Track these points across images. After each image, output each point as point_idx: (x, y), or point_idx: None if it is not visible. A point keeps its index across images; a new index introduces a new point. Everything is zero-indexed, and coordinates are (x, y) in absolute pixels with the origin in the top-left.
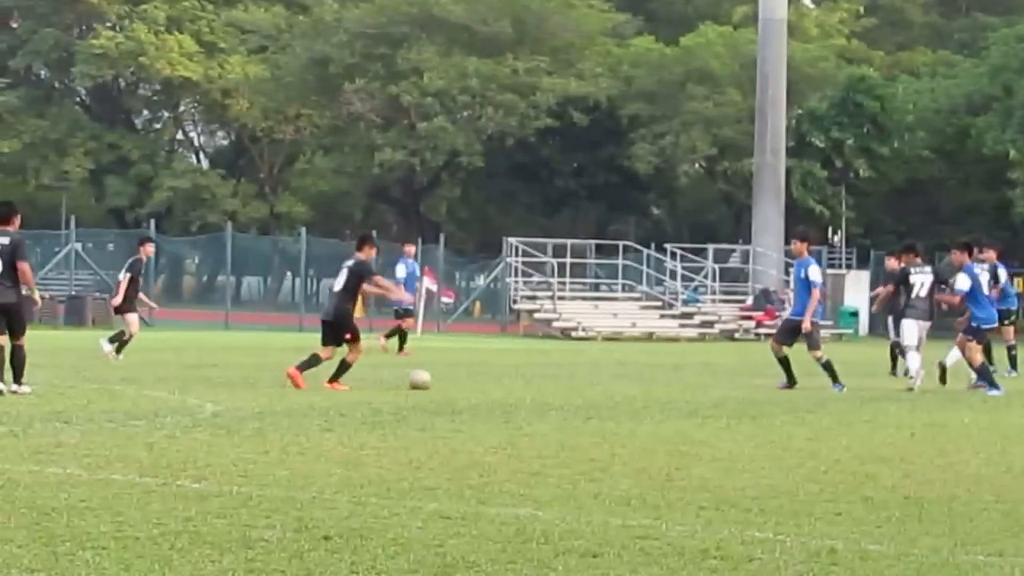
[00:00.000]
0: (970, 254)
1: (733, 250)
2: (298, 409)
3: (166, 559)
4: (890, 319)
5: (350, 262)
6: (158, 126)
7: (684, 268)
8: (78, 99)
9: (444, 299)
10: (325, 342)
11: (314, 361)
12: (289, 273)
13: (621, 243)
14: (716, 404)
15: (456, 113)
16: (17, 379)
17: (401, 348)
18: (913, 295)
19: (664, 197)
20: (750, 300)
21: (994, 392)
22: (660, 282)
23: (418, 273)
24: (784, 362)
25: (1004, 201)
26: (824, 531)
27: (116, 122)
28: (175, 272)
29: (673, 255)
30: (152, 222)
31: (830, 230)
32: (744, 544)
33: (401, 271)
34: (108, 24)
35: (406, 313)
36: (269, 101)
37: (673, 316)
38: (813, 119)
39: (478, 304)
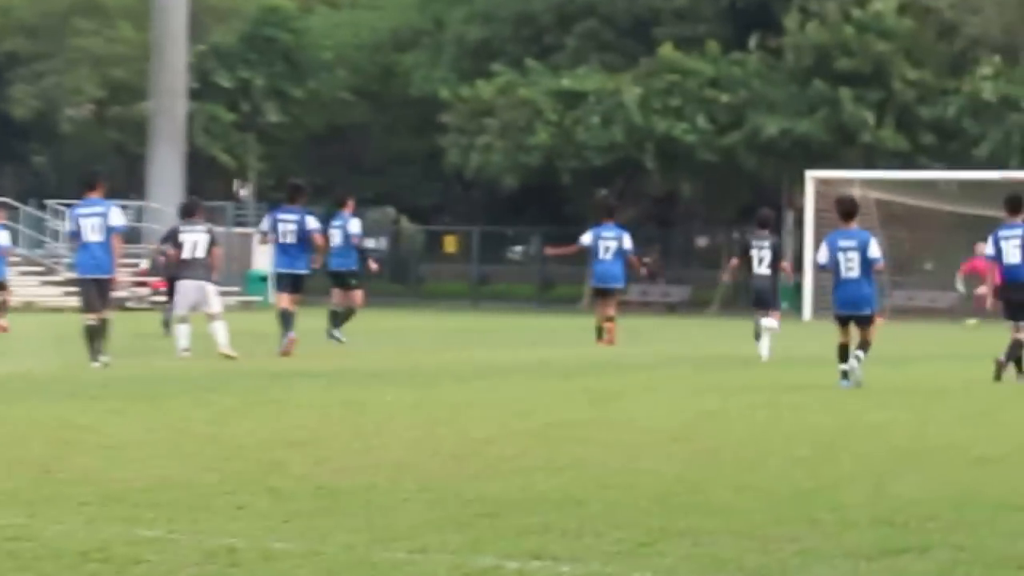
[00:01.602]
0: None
1: (125, 206)
2: None
3: None
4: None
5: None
6: None
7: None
8: None
9: None
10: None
11: None
12: None
13: None
14: (105, 383)
15: None
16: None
17: None
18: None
19: (47, 146)
20: (145, 263)
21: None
22: (41, 244)
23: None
24: None
25: (435, 149)
26: (223, 527)
27: None
28: None
29: (57, 212)
30: None
31: (236, 182)
32: (131, 544)
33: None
34: None
35: None
36: None
37: (57, 283)
38: (219, 56)
39: None
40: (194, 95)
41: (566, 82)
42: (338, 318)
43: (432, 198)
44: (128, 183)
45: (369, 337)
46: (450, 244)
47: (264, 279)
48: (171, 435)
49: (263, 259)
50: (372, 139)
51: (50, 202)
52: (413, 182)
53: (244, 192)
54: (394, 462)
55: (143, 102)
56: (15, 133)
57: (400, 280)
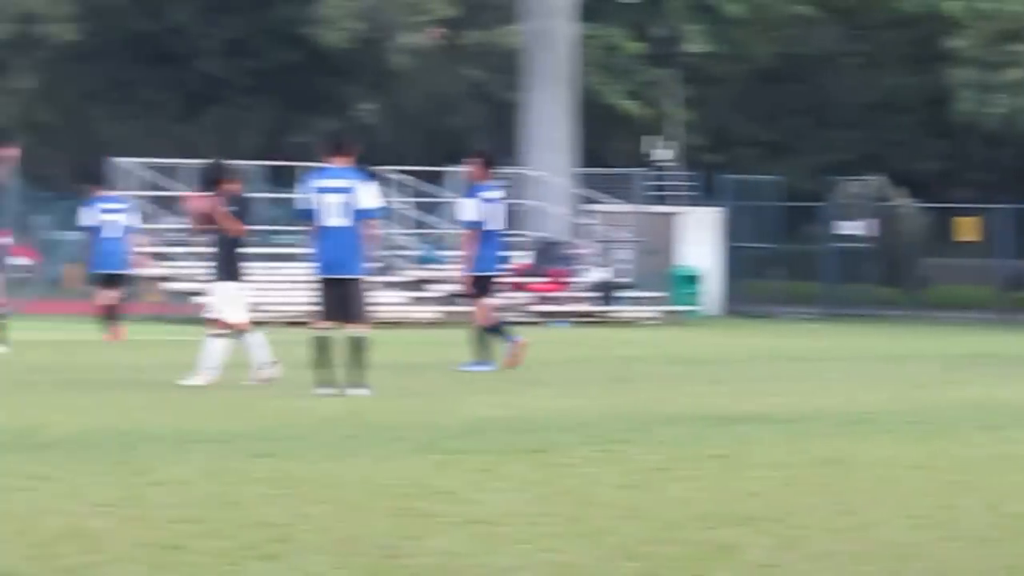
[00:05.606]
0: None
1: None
2: None
3: None
4: None
5: None
6: None
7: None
8: None
9: (19, 260)
10: None
11: None
12: None
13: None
14: (466, 430)
15: None
16: None
17: None
18: None
19: (375, 88)
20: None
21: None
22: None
23: None
24: None
25: (939, 90)
26: None
27: None
28: None
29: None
30: None
31: (648, 140)
32: None
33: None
34: None
35: None
36: None
37: (398, 285)
38: None
39: (72, 269)
40: (586, 15)
41: None
42: None
43: (937, 162)
44: (495, 141)
45: (852, 364)
46: (966, 229)
47: (694, 279)
48: (568, 505)
49: (695, 250)
50: (846, 76)
51: (384, 169)
52: (908, 139)
53: (662, 153)
54: (895, 545)
55: (507, 25)
56: (329, 69)
57: (894, 282)
